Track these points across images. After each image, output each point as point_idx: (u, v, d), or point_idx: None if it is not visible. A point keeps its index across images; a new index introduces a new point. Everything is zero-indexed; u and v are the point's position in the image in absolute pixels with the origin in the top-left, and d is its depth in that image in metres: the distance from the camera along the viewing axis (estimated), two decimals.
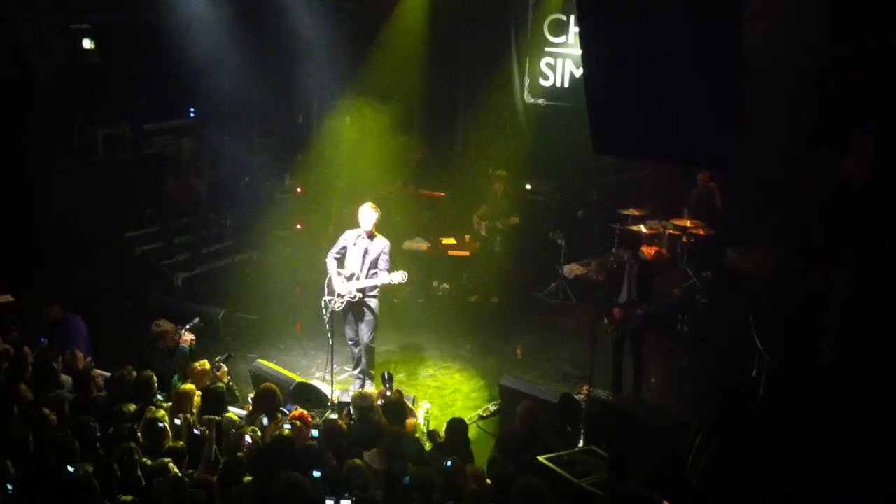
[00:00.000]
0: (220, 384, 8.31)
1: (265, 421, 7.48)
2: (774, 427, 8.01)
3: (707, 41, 6.43)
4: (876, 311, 8.45)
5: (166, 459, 6.63)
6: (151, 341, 9.04)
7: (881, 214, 9.17)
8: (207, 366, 8.60)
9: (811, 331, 9.25)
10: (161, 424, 7.26)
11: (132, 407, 7.49)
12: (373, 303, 9.66)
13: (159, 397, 7.90)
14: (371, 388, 9.59)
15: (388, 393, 8.77)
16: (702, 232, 12.17)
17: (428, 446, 7.98)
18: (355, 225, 9.64)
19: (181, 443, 7.16)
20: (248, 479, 6.41)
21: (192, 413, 7.76)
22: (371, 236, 9.55)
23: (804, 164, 10.50)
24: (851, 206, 9.63)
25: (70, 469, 6.15)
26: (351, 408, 8.24)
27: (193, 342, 9.12)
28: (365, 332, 9.74)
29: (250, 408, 8.21)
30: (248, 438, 7.01)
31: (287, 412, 8.04)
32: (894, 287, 8.32)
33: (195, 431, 7.22)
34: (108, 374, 8.38)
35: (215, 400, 7.88)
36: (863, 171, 9.61)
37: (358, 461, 6.71)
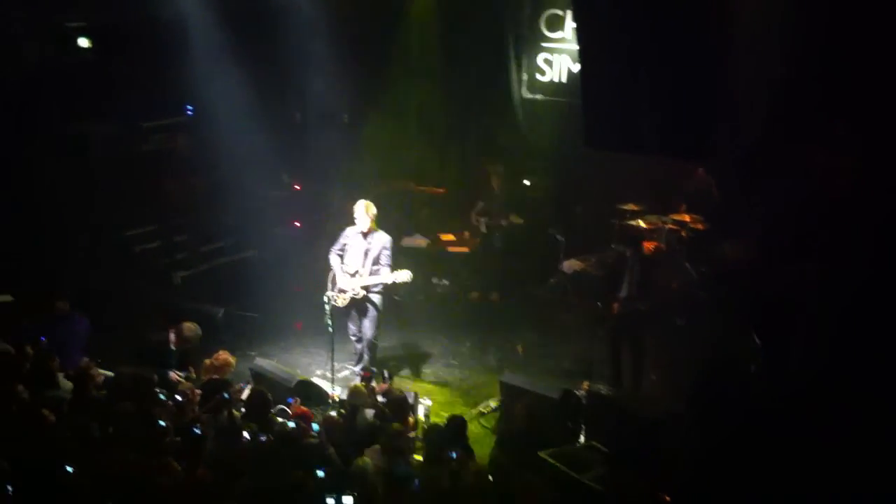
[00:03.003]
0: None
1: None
2: (770, 420, 8.02)
3: (687, 38, 6.52)
4: (851, 305, 8.49)
5: (169, 458, 6.60)
6: (164, 342, 9.06)
7: (859, 208, 9.20)
8: (232, 359, 8.65)
9: (798, 324, 9.29)
10: (162, 423, 7.24)
11: (130, 406, 7.47)
12: (376, 298, 9.66)
13: (161, 396, 7.89)
14: (374, 385, 9.57)
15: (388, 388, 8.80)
16: (700, 226, 12.15)
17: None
18: (354, 222, 9.63)
19: (178, 439, 7.15)
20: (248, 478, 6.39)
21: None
22: (370, 233, 9.54)
23: (781, 157, 10.51)
24: (829, 198, 9.68)
25: (68, 469, 6.13)
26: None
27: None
28: (368, 327, 9.75)
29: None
30: (246, 435, 6.99)
31: (289, 405, 8.06)
32: (869, 281, 8.37)
33: (194, 430, 7.18)
34: (108, 374, 8.37)
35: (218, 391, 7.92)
36: (842, 164, 9.64)
37: (367, 459, 6.70)
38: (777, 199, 10.54)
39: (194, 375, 8.97)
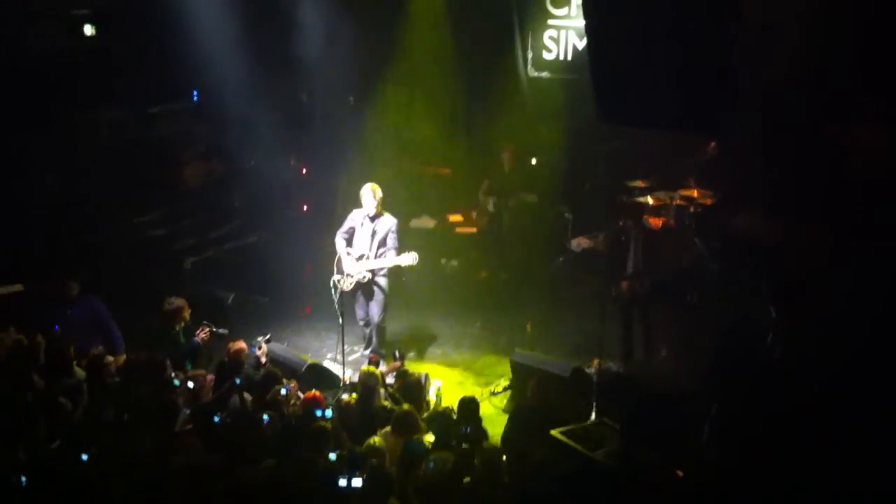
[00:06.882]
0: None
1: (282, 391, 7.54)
2: (788, 395, 8.01)
3: (700, 11, 6.45)
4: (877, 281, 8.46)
5: (188, 438, 6.63)
6: (164, 324, 9.06)
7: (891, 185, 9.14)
8: (245, 346, 8.68)
9: (819, 298, 9.25)
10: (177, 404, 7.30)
11: (145, 391, 7.52)
12: (382, 282, 9.67)
13: (176, 382, 7.93)
14: (383, 368, 9.61)
15: (402, 367, 8.85)
16: (709, 201, 12.09)
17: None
18: (362, 205, 9.63)
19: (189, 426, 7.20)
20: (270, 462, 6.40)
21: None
22: (377, 216, 9.54)
23: (811, 132, 10.43)
24: (860, 174, 9.59)
25: (84, 457, 6.16)
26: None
27: (206, 339, 9.09)
28: (375, 311, 9.77)
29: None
30: (265, 418, 7.03)
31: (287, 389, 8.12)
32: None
33: (213, 418, 7.22)
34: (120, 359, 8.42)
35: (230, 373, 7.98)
36: (875, 141, 9.55)
37: (377, 439, 6.73)
38: (805, 173, 10.45)
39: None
